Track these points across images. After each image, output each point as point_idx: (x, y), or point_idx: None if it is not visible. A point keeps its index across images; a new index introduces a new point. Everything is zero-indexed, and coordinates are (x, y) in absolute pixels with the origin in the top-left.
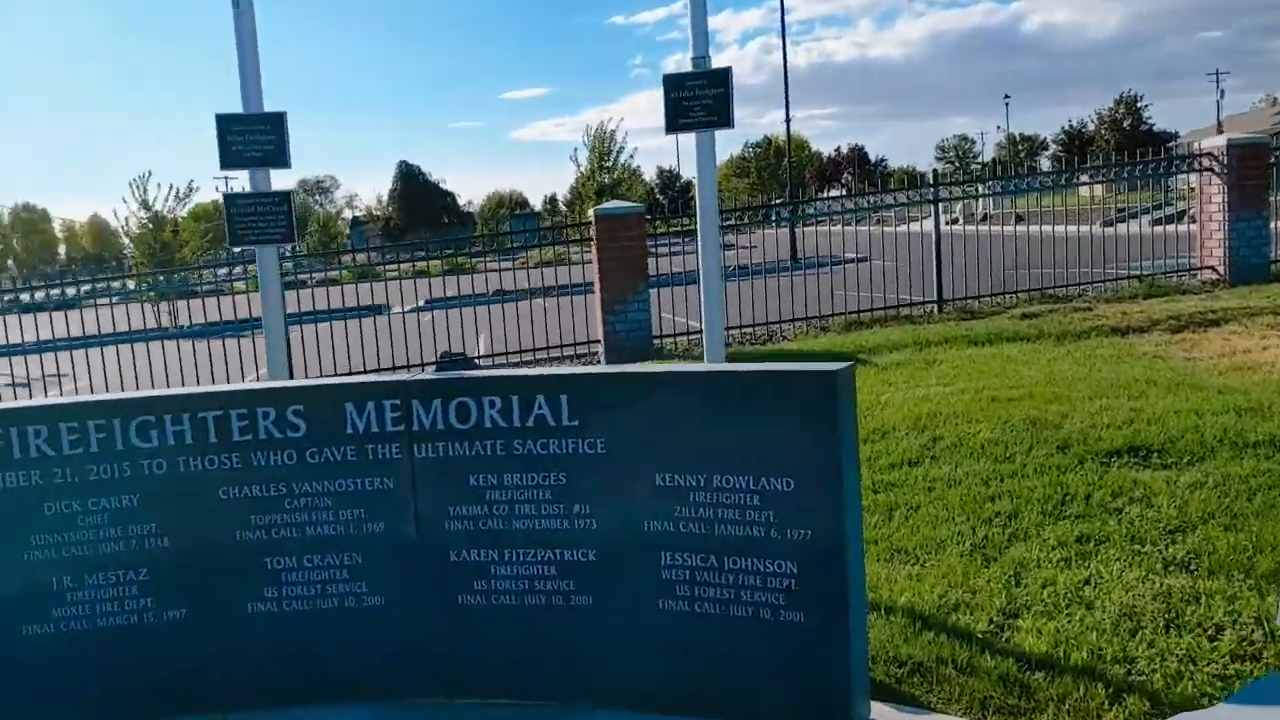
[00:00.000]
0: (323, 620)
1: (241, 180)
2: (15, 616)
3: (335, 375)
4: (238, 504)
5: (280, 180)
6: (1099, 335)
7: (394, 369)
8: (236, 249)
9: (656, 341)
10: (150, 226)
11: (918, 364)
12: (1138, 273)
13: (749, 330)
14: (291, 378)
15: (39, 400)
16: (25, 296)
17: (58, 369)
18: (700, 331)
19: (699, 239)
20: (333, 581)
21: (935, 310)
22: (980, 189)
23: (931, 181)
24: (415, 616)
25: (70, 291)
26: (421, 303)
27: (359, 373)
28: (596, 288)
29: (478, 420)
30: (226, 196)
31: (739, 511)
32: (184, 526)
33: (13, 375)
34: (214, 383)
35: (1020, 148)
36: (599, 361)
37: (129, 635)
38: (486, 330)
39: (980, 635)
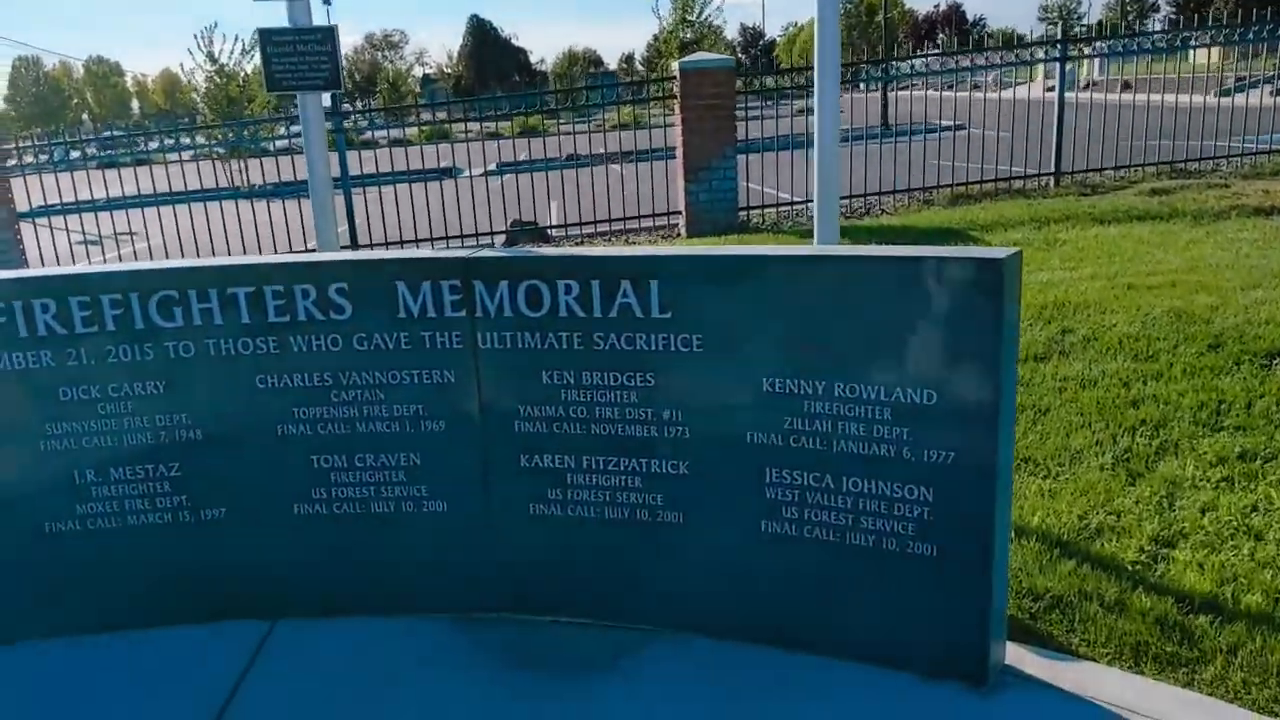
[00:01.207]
0: (378, 526)
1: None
2: (36, 512)
3: (401, 243)
4: (278, 394)
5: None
6: (1240, 216)
7: (462, 237)
8: (274, 95)
9: (742, 214)
10: (217, 81)
11: (1038, 244)
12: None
13: (844, 202)
14: (355, 245)
15: (32, 271)
16: (97, 151)
17: (129, 227)
18: (790, 204)
19: (816, 94)
20: (388, 484)
21: (1051, 184)
22: (1105, 48)
23: (1059, 37)
24: (481, 525)
25: (142, 147)
26: (493, 166)
27: (427, 240)
28: (679, 152)
29: (551, 307)
30: (262, 33)
31: (865, 426)
32: (218, 418)
33: (84, 232)
34: (274, 249)
35: (1130, 9)
36: (679, 234)
37: (163, 535)
38: (559, 198)
39: (1129, 567)
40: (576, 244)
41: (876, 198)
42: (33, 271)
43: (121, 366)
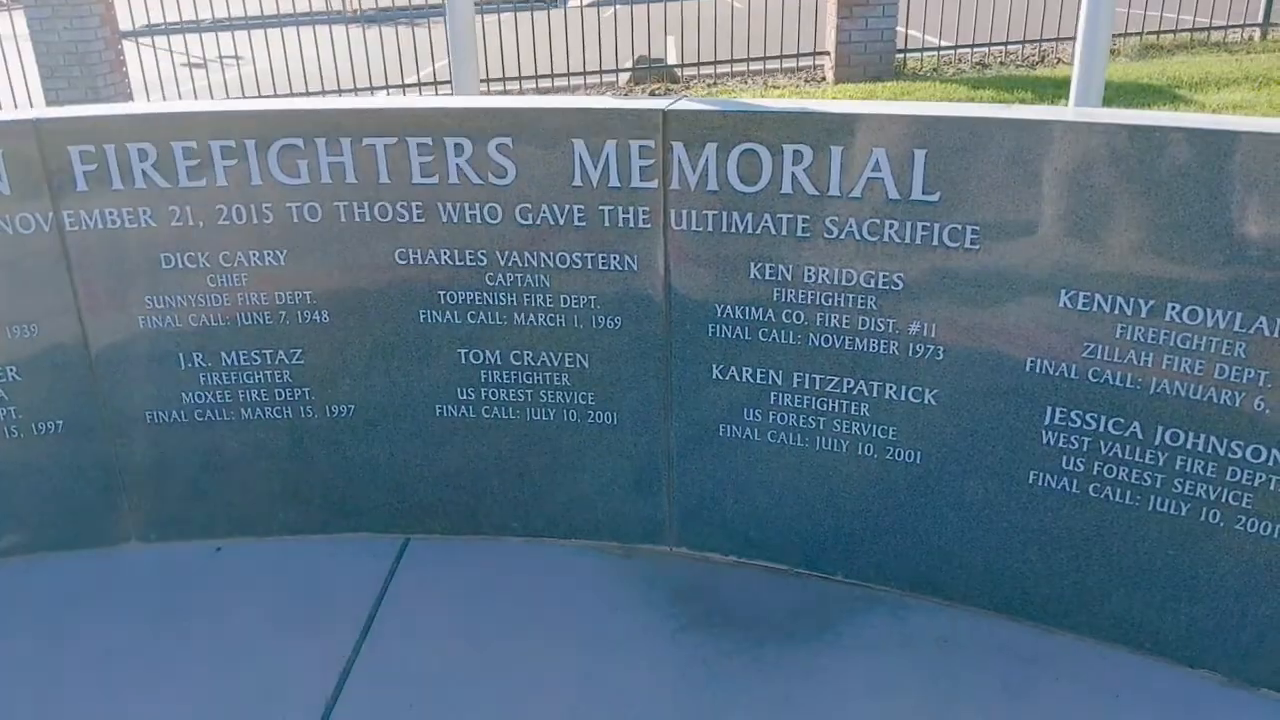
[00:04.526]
0: (533, 436)
1: None
2: (136, 399)
3: (504, 83)
4: (421, 272)
5: None
6: None
7: (569, 76)
8: None
9: (899, 57)
10: None
11: (1263, 108)
12: None
13: (1014, 49)
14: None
15: (130, 107)
16: None
17: (235, 50)
18: (952, 48)
19: None
20: (548, 388)
21: (1257, 36)
22: None
23: None
24: (658, 445)
25: None
26: None
27: (530, 80)
28: None
29: (772, 180)
30: None
31: (1203, 362)
32: (347, 297)
33: (188, 54)
34: (384, 80)
35: None
36: (824, 79)
37: (282, 433)
38: (676, 32)
39: None
40: (709, 87)
41: (1054, 44)
42: (128, 107)
43: (235, 230)
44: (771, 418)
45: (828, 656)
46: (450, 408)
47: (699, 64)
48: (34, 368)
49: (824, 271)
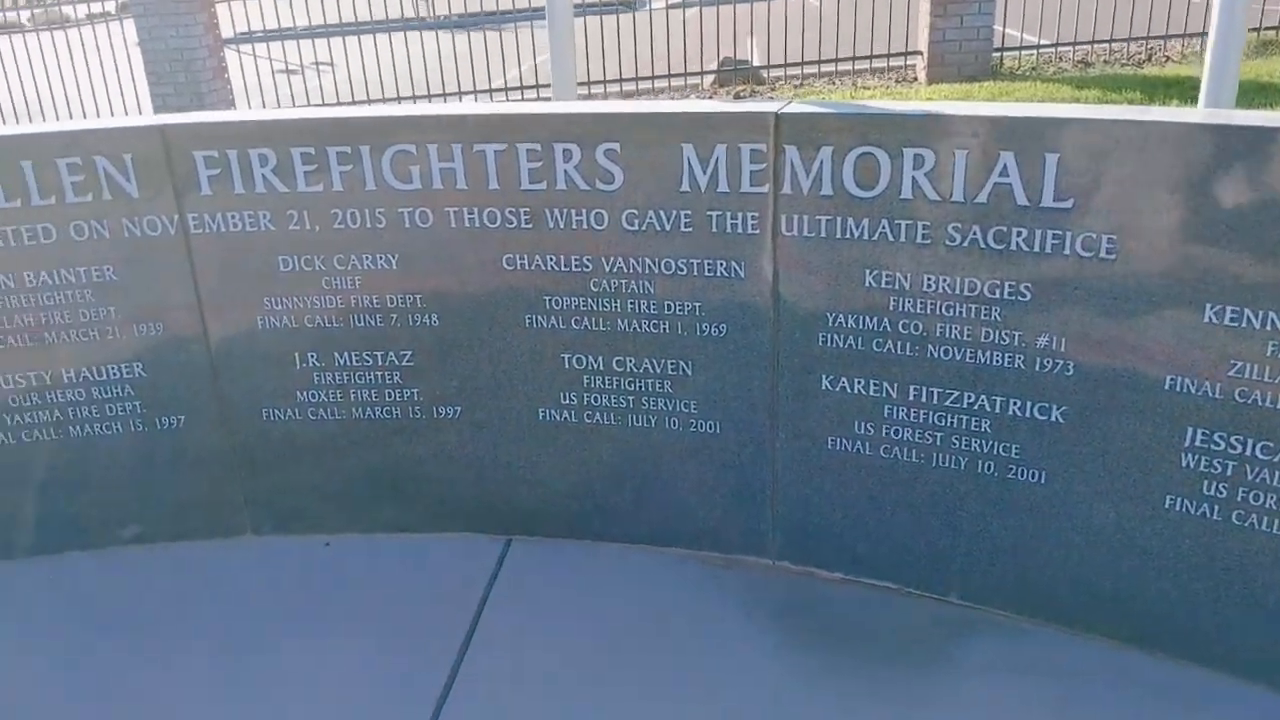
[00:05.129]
0: (634, 442)
1: None
2: (253, 397)
3: (589, 88)
4: (528, 277)
5: None
6: None
7: (652, 79)
8: None
9: (995, 56)
10: None
11: None
12: None
13: (1118, 46)
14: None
15: (251, 113)
16: None
17: (330, 57)
18: (1052, 47)
19: None
20: (650, 395)
21: None
22: None
23: None
24: (762, 456)
25: None
26: None
27: (615, 84)
28: None
29: (891, 184)
30: None
31: None
32: (457, 302)
33: (286, 61)
34: (471, 84)
35: None
36: (917, 81)
37: (391, 433)
38: (758, 33)
39: None
40: (795, 89)
41: (1161, 41)
42: (250, 113)
43: (348, 234)
44: (884, 431)
45: (942, 682)
46: (553, 412)
47: (785, 65)
48: (158, 364)
49: (945, 280)
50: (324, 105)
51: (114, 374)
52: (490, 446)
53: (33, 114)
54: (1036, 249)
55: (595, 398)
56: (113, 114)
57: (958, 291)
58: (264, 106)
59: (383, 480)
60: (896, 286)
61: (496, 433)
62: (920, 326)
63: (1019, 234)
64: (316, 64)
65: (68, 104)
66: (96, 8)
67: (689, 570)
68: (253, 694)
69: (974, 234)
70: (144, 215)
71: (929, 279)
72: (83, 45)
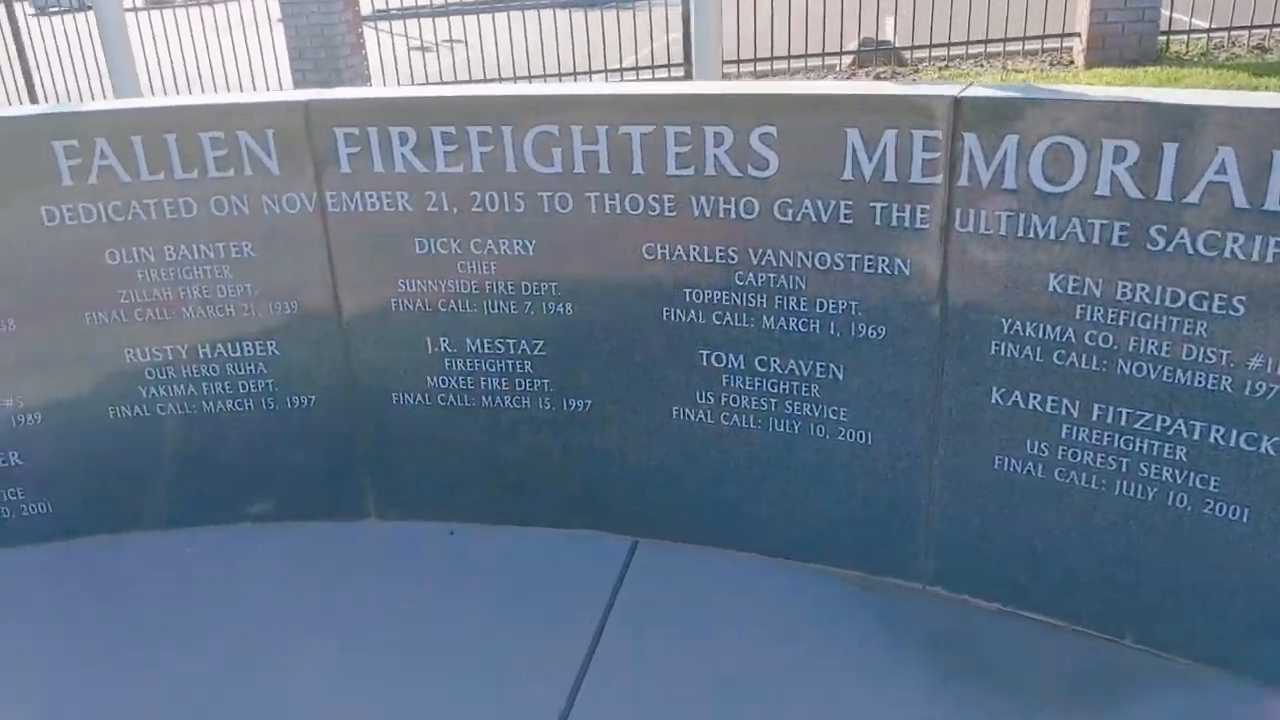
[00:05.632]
0: (774, 447)
1: None
2: (384, 379)
3: (721, 66)
4: (669, 268)
5: None
6: None
7: (788, 58)
8: None
9: (1160, 39)
10: None
11: None
12: None
13: (1261, 32)
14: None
15: (393, 91)
16: None
17: (464, 34)
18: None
19: None
20: (795, 399)
21: None
22: None
23: None
24: (916, 470)
25: None
26: None
27: (748, 63)
28: None
29: (1085, 179)
30: None
31: None
32: (593, 291)
33: (421, 39)
34: (603, 63)
35: None
36: (1074, 64)
37: (520, 421)
38: (896, 12)
39: None
40: (940, 70)
41: None
42: (392, 90)
43: (486, 217)
44: (1061, 453)
45: None
46: (688, 411)
47: (930, 45)
48: (291, 343)
49: (1143, 289)
50: (458, 83)
51: (248, 351)
52: (620, 443)
53: (180, 87)
54: (1255, 258)
55: (734, 399)
56: (255, 89)
57: (1158, 302)
58: (398, 83)
59: (509, 471)
60: (1085, 293)
61: (627, 429)
62: (1111, 339)
63: (1235, 240)
64: (452, 40)
65: (212, 78)
66: None
67: (829, 588)
68: (368, 679)
69: (1181, 238)
70: (283, 192)
71: (1124, 286)
72: (228, 20)
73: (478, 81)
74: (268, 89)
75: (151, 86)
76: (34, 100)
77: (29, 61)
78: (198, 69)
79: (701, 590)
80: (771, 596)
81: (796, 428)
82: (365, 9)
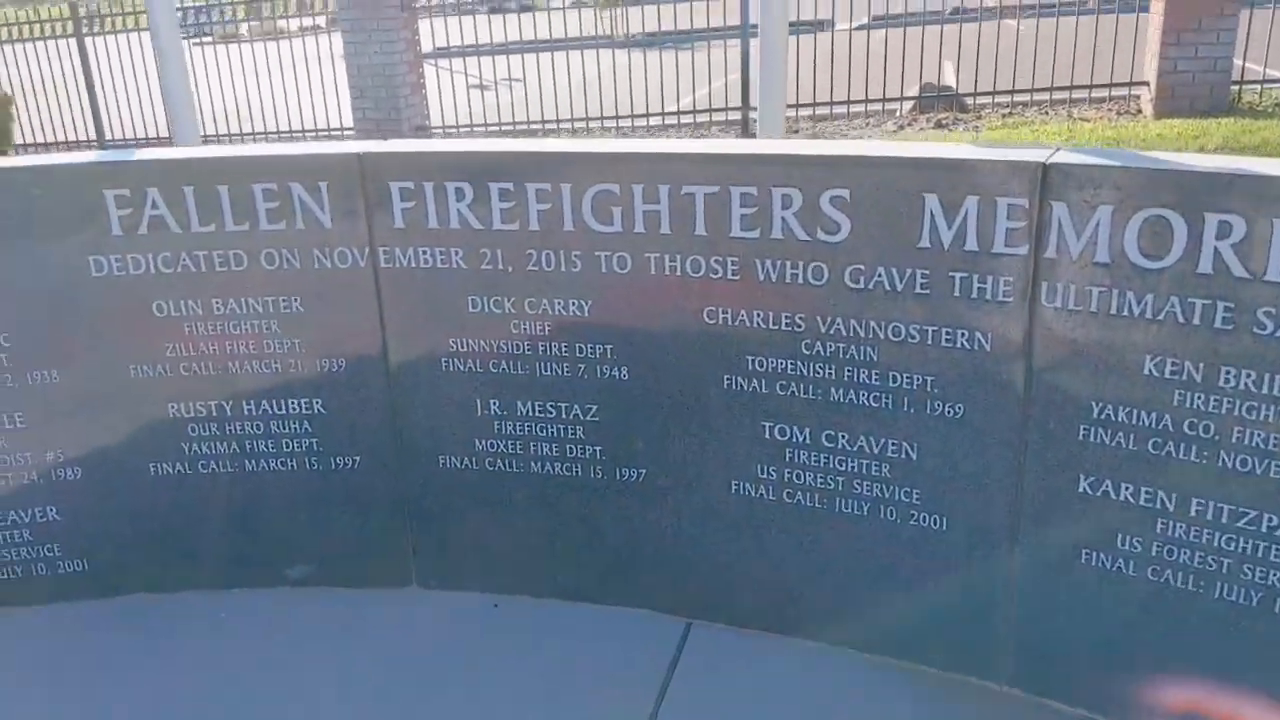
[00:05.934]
0: (840, 528)
1: None
2: (431, 441)
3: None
4: (730, 334)
5: None
6: None
7: (848, 103)
8: None
9: (1233, 89)
10: None
11: None
12: None
13: None
14: (746, 106)
15: (450, 144)
16: None
17: (523, 72)
18: None
19: None
20: (864, 477)
21: None
22: None
23: None
24: (995, 561)
25: None
26: (868, 19)
27: (807, 107)
28: (1156, 5)
29: (1186, 255)
30: None
31: None
32: (649, 354)
33: (480, 77)
34: (659, 105)
35: None
36: (1142, 114)
37: (571, 489)
38: (960, 57)
39: None
40: (1004, 118)
41: None
42: (449, 144)
43: (542, 276)
44: (1155, 550)
45: None
46: (748, 486)
47: (994, 93)
48: (338, 402)
49: (1248, 376)
50: (515, 123)
51: (294, 409)
52: (675, 517)
53: (243, 121)
54: None
55: (799, 475)
56: (317, 124)
57: (1265, 391)
58: (456, 120)
59: (558, 542)
60: (1185, 378)
61: (683, 502)
62: (1213, 429)
63: None
64: (511, 79)
65: (275, 113)
66: (309, 22)
67: (899, 686)
68: None
69: None
70: (335, 246)
71: (1228, 373)
72: (292, 57)
73: (535, 122)
74: (329, 126)
75: (215, 121)
76: (100, 135)
77: (98, 99)
78: (260, 103)
79: (760, 682)
80: (835, 693)
81: (865, 509)
82: (425, 46)
